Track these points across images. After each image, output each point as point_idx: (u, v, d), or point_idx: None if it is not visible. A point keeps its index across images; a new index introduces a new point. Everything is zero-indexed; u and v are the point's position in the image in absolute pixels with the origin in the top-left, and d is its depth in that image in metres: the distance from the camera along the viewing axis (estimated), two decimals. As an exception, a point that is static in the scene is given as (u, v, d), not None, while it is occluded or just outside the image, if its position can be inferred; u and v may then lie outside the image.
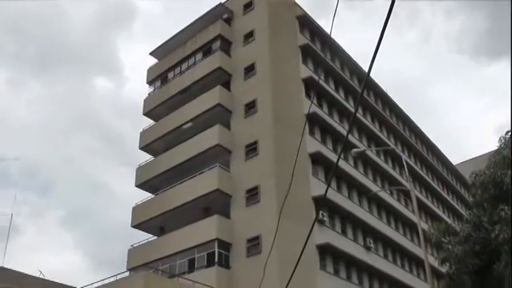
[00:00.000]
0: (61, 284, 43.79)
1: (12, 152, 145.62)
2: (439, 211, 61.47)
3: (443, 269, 16.97)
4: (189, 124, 43.25)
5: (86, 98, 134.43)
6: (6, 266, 43.17)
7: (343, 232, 41.32)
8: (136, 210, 44.27)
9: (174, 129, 44.51)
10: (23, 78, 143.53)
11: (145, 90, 51.29)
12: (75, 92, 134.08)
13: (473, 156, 72.70)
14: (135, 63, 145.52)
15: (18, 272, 43.42)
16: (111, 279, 28.63)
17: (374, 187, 46.66)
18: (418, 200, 31.03)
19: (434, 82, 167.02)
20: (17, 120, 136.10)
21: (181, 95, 45.71)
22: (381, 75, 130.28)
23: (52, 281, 44.61)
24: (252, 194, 37.54)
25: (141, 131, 48.40)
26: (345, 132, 44.67)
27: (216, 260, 35.60)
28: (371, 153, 48.47)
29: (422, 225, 25.51)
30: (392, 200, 50.36)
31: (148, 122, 49.45)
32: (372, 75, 53.49)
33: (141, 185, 46.01)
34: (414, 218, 42.94)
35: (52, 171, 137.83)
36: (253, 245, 35.43)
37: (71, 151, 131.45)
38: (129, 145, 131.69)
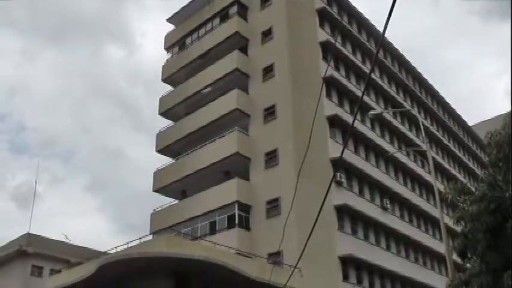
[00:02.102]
0: (86, 248, 45.10)
1: (32, 122, 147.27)
2: (455, 171, 61.81)
3: (458, 228, 17.41)
4: (208, 89, 43.78)
5: (100, 66, 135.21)
6: (32, 232, 44.57)
7: (361, 193, 41.97)
8: (157, 174, 45.13)
9: (193, 95, 45.07)
10: (37, 48, 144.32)
11: (160, 57, 51.80)
12: (89, 61, 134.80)
13: (489, 117, 72.47)
14: (148, 31, 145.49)
15: (44, 237, 44.74)
16: (135, 243, 29.45)
17: (391, 149, 47.06)
18: (434, 160, 31.50)
19: (449, 44, 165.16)
20: (35, 90, 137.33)
21: (199, 61, 46.12)
22: (397, 37, 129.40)
23: (77, 245, 45.94)
24: (271, 157, 38.16)
25: (160, 97, 49.01)
26: (361, 95, 44.90)
27: (237, 222, 36.42)
28: (388, 115, 48.76)
29: (438, 185, 26.04)
30: (408, 161, 50.80)
31: (164, 89, 49.96)
32: (388, 37, 53.47)
33: (162, 150, 46.80)
34: (430, 178, 43.34)
35: (71, 140, 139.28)
36: (273, 206, 36.18)
37: (88, 120, 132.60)
38: (145, 112, 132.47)
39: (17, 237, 45.10)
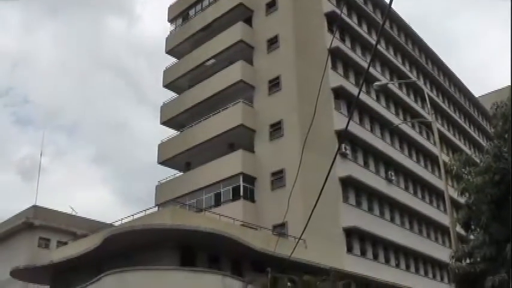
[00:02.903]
0: (92, 220, 45.41)
1: (35, 95, 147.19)
2: (460, 143, 61.62)
3: (462, 200, 17.38)
4: (212, 61, 43.57)
5: (101, 38, 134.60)
6: (38, 204, 44.85)
7: (365, 165, 41.95)
8: (162, 147, 45.19)
9: (197, 67, 44.88)
10: (37, 20, 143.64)
11: (162, 29, 51.42)
12: (90, 33, 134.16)
13: (496, 89, 71.96)
14: (148, 1, 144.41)
15: (50, 209, 45.03)
16: (140, 215, 29.57)
17: (396, 120, 46.85)
18: (440, 132, 31.34)
19: (457, 15, 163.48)
20: (37, 63, 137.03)
21: (203, 32, 45.84)
22: (404, 8, 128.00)
23: (83, 218, 46.26)
24: (276, 129, 38.13)
25: (163, 69, 48.88)
26: (367, 66, 44.63)
27: (242, 193, 36.54)
28: (393, 87, 48.50)
29: (443, 157, 25.96)
30: (414, 133, 50.65)
31: (167, 62, 49.71)
32: (394, 8, 52.84)
33: (166, 123, 46.81)
34: (435, 150, 43.25)
35: (75, 113, 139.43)
36: (277, 178, 36.25)
37: (91, 92, 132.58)
38: (149, 85, 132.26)
39: (23, 209, 45.41)
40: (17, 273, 36.16)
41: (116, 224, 31.05)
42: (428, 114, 43.83)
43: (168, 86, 48.12)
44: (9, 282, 40.41)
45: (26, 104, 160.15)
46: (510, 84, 15.56)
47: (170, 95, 48.06)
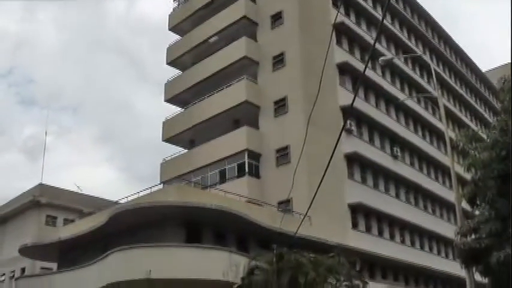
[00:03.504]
0: (98, 197, 45.57)
1: (39, 75, 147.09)
2: (466, 119, 61.33)
3: (468, 176, 17.31)
4: (216, 38, 43.25)
5: (102, 17, 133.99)
6: (44, 182, 45.01)
7: (371, 141, 41.82)
8: (166, 124, 45.15)
9: (200, 43, 44.60)
10: (38, 1, 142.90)
11: (162, 7, 50.89)
12: (91, 12, 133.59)
13: (503, 63, 71.32)
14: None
15: (56, 187, 45.23)
16: (146, 192, 29.62)
17: (401, 96, 46.61)
18: (446, 107, 31.19)
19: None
20: (39, 44, 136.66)
21: (206, 9, 45.46)
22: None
23: (89, 195, 46.42)
24: (280, 105, 38.02)
25: (166, 47, 48.63)
26: (372, 42, 44.28)
27: (247, 170, 36.56)
28: (399, 62, 48.11)
29: (450, 133, 25.83)
30: (419, 108, 50.39)
31: (169, 40, 49.38)
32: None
33: (170, 100, 46.70)
34: (441, 126, 43.08)
35: (78, 92, 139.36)
36: (282, 154, 36.22)
37: (94, 72, 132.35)
38: (151, 63, 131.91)
39: (30, 188, 45.58)
40: (25, 251, 36.43)
41: (122, 201, 31.12)
42: (434, 90, 43.60)
43: (171, 63, 47.92)
44: (17, 259, 40.76)
45: (29, 84, 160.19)
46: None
47: (173, 73, 47.92)
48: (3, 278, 45.80)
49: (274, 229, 28.10)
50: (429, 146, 50.48)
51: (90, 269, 27.66)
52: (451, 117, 53.13)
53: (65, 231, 34.02)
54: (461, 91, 63.42)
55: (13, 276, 42.36)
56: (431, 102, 45.38)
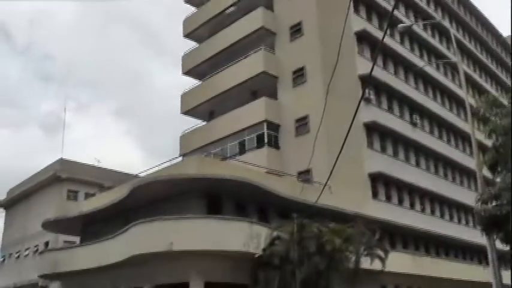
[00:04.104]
0: (118, 171, 45.92)
1: (55, 51, 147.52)
2: (486, 84, 60.58)
3: (489, 142, 17.13)
4: (232, 8, 42.95)
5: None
6: (64, 157, 45.43)
7: (390, 109, 41.55)
8: (185, 97, 45.17)
9: (217, 15, 44.32)
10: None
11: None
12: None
13: (524, 27, 69.92)
14: None
15: (77, 162, 45.63)
16: (166, 165, 29.70)
17: (421, 63, 46.08)
18: (466, 73, 30.85)
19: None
20: (55, 19, 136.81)
21: (222, -20, 45.06)
22: None
23: (109, 169, 46.80)
24: (298, 75, 37.77)
25: (183, 19, 48.37)
26: (390, 9, 43.63)
27: (266, 141, 36.55)
28: (418, 29, 47.46)
29: (470, 99, 25.56)
30: (439, 75, 49.86)
31: (184, 12, 49.10)
32: None
33: (188, 72, 46.64)
34: (461, 92, 42.65)
35: (95, 68, 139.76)
36: (301, 125, 36.12)
37: (110, 46, 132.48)
38: (168, 37, 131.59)
39: (51, 163, 46.02)
40: (48, 225, 36.91)
41: (142, 175, 31.30)
42: (454, 55, 43.08)
43: (188, 35, 47.72)
44: (41, 234, 41.36)
45: (47, 60, 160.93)
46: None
47: (190, 45, 47.75)
48: (27, 252, 46.58)
49: (294, 199, 28.17)
50: (449, 113, 50.09)
51: (112, 242, 27.93)
52: (471, 83, 52.51)
53: (87, 205, 34.34)
54: (482, 56, 62.58)
55: (37, 250, 43.03)
56: (451, 68, 44.91)
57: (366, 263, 26.22)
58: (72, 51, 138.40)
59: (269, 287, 24.95)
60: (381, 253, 26.94)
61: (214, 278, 24.84)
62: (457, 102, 51.14)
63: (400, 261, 33.35)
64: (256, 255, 24.49)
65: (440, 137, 47.93)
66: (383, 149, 39.47)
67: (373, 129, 38.45)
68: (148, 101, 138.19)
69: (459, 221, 47.79)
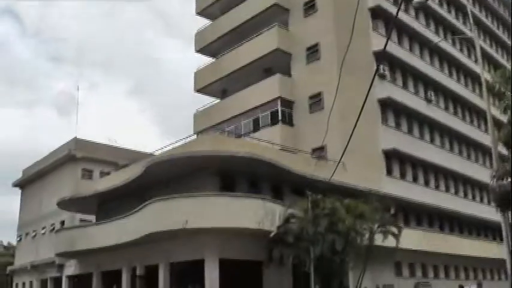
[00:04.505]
0: (132, 150, 46.03)
1: (68, 32, 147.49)
2: (502, 59, 59.76)
3: (505, 118, 16.97)
4: (245, -15, 42.56)
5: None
6: (79, 137, 45.59)
7: (404, 85, 41.23)
8: (198, 75, 45.06)
9: (230, -9, 43.97)
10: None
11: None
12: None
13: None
14: None
15: (91, 141, 45.76)
16: (180, 143, 29.74)
17: (436, 39, 45.56)
18: (482, 48, 30.44)
19: None
20: (65, 1, 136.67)
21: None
22: None
23: (124, 148, 46.92)
24: (312, 52, 37.48)
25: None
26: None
27: (280, 118, 36.45)
28: (433, 4, 46.82)
29: (485, 74, 25.24)
30: (454, 51, 49.32)
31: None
32: None
33: (201, 50, 46.44)
34: (477, 67, 42.24)
35: (107, 48, 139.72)
36: (315, 101, 35.93)
37: (121, 26, 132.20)
38: (177, 14, 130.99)
39: (65, 142, 46.18)
40: (64, 204, 37.22)
41: (156, 153, 31.38)
42: (470, 31, 42.53)
43: (200, 13, 47.38)
44: (57, 213, 41.69)
45: (59, 42, 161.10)
46: None
47: (203, 23, 47.45)
48: (43, 230, 47.01)
49: (308, 176, 28.17)
50: (464, 89, 49.65)
51: (127, 220, 28.15)
52: (487, 58, 51.88)
53: (102, 184, 34.55)
54: (498, 31, 61.74)
55: (53, 229, 43.36)
56: (467, 44, 44.39)
57: (379, 240, 26.28)
58: (83, 33, 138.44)
59: (283, 264, 25.11)
60: (394, 230, 26.96)
61: (229, 255, 25.01)
62: (472, 78, 50.65)
63: (413, 238, 33.41)
64: (271, 234, 24.57)
65: (455, 114, 47.58)
66: (397, 126, 39.25)
67: (387, 106, 38.21)
68: (161, 80, 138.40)
69: (473, 198, 47.63)
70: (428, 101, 43.01)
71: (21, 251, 52.03)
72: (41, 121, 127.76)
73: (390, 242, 26.55)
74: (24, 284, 49.73)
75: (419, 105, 41.30)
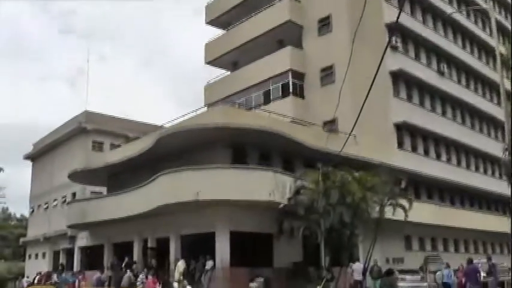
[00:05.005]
0: (143, 122, 46.07)
1: (79, 6, 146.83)
2: (517, 32, 59.04)
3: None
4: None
5: None
6: (90, 109, 45.61)
7: (417, 57, 40.76)
8: (209, 46, 44.85)
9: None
10: None
11: None
12: None
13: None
14: None
15: (101, 114, 45.76)
16: (191, 115, 29.64)
17: (450, 10, 44.89)
18: (497, 21, 29.97)
19: None
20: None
21: None
22: None
23: (134, 121, 46.95)
24: (324, 24, 37.22)
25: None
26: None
27: (291, 90, 36.29)
28: (447, -26, 46.10)
29: (500, 47, 24.89)
30: (468, 23, 48.58)
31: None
32: None
33: (212, 22, 46.19)
34: (491, 40, 41.74)
35: (117, 22, 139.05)
36: (327, 74, 35.73)
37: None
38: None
39: (76, 115, 46.22)
40: (75, 176, 37.34)
41: (167, 125, 31.31)
42: (485, 2, 41.93)
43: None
44: (68, 185, 41.88)
45: (68, 15, 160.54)
46: None
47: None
48: (55, 203, 47.31)
49: (319, 149, 28.09)
50: (477, 62, 49.06)
51: (139, 192, 28.21)
52: (501, 31, 51.13)
53: (112, 156, 34.56)
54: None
55: (65, 201, 43.62)
56: (482, 15, 43.75)
57: (390, 213, 26.29)
58: (93, 5, 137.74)
59: (294, 237, 25.17)
60: (404, 203, 26.94)
61: (239, 227, 25.07)
62: (486, 51, 50.04)
63: (424, 212, 33.38)
64: (282, 205, 24.59)
65: (467, 86, 47.10)
66: (409, 98, 38.91)
67: (399, 78, 37.85)
68: (171, 53, 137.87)
69: (485, 172, 47.39)
70: (441, 73, 42.56)
71: (34, 223, 52.48)
72: (52, 94, 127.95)
73: (400, 215, 26.56)
74: (37, 255, 50.25)
75: (431, 78, 40.88)
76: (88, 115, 44.91)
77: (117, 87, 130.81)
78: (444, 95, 42.32)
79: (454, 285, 25.19)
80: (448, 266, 24.59)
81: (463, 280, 21.44)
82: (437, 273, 27.00)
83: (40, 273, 35.09)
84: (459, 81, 45.94)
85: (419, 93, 39.99)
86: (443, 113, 42.74)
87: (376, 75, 13.59)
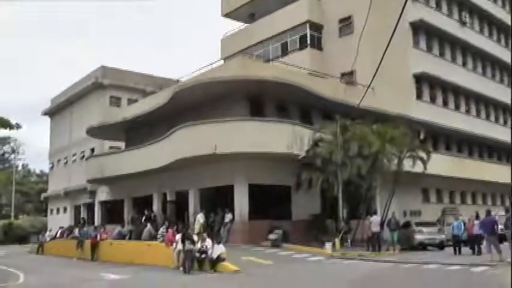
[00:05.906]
0: (159, 77, 45.84)
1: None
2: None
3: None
4: None
5: None
6: (105, 64, 45.40)
7: (438, 7, 39.80)
8: (225, -2, 44.37)
9: None
10: None
11: None
12: None
13: None
14: None
15: (118, 69, 45.57)
16: (207, 69, 29.47)
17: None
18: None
19: None
20: None
21: None
22: None
23: (151, 75, 46.73)
24: (342, -26, 36.46)
25: None
26: None
27: (309, 42, 35.88)
28: None
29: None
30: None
31: None
32: None
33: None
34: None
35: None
36: (345, 25, 35.22)
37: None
38: None
39: (92, 71, 46.09)
40: (93, 132, 37.50)
41: (184, 79, 31.17)
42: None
43: None
44: (86, 140, 42.10)
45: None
46: None
47: None
48: (74, 158, 47.65)
49: (338, 101, 27.89)
50: (501, 11, 47.69)
51: (157, 146, 28.31)
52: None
53: (130, 111, 34.56)
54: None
55: (83, 156, 43.92)
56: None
57: (407, 166, 26.16)
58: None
59: (312, 189, 25.21)
60: (423, 155, 26.77)
61: (258, 180, 25.16)
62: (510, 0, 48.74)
63: (442, 164, 33.22)
64: (300, 157, 24.55)
65: (490, 36, 46.05)
66: (429, 49, 38.19)
67: (419, 29, 37.07)
68: (187, 7, 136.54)
69: (505, 123, 46.78)
70: (463, 23, 41.59)
71: (54, 178, 53.02)
72: (68, 50, 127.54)
73: (418, 167, 26.42)
74: (58, 209, 50.96)
75: (452, 28, 39.97)
76: (105, 70, 44.78)
77: (133, 42, 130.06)
78: (465, 45, 41.48)
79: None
80: (457, 218, 24.55)
81: (474, 231, 21.35)
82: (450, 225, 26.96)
83: (62, 227, 35.61)
84: (481, 31, 44.95)
85: (439, 44, 39.22)
86: (464, 64, 42.01)
87: (396, 26, 13.32)
